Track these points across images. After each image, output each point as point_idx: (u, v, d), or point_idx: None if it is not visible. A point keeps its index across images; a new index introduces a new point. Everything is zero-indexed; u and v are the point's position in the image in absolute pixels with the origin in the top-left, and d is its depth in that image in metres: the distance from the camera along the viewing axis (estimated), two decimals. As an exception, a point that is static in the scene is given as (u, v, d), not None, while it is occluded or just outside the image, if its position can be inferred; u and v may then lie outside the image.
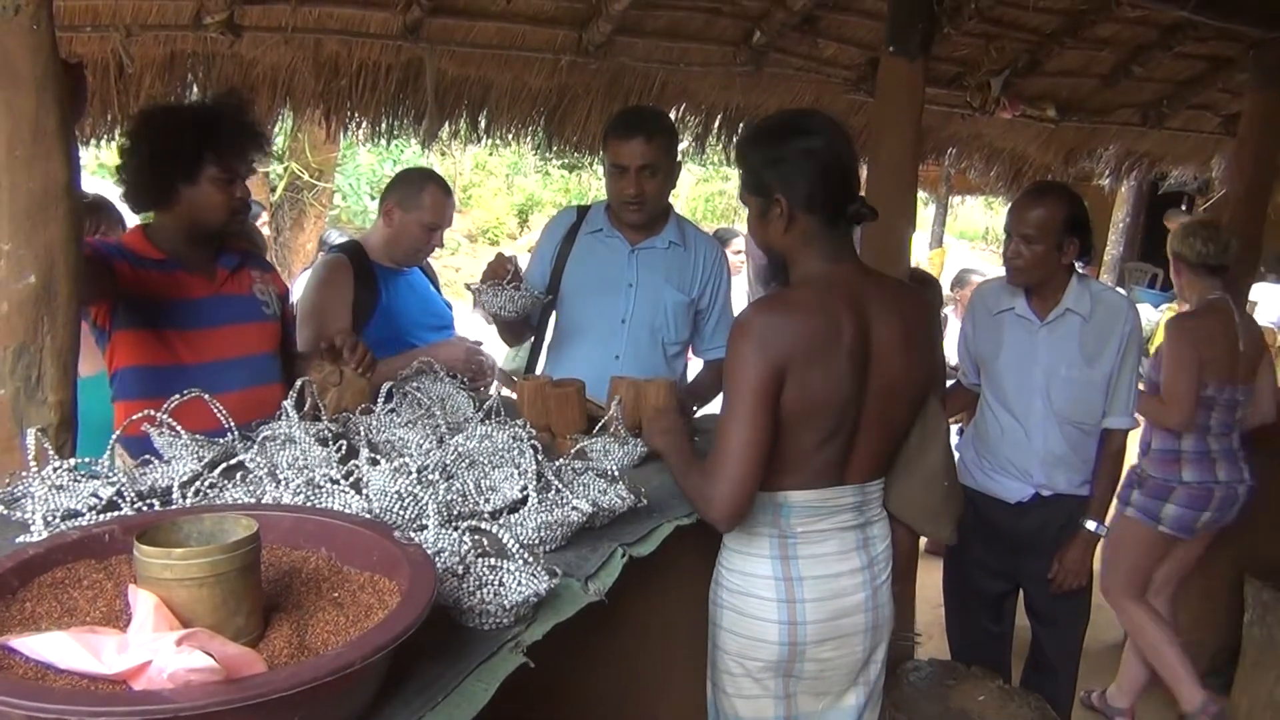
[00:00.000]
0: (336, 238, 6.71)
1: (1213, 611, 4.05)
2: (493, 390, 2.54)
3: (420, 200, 2.94)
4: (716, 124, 4.53)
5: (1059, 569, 2.92)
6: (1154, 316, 7.02)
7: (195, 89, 3.48)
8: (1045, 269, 2.79)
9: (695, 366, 3.17)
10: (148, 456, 1.83)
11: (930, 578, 3.76)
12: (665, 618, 2.14)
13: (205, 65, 3.46)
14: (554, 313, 3.01)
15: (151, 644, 0.97)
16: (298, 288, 4.91)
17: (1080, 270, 2.89)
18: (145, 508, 1.57)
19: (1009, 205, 3.33)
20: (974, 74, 4.38)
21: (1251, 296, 9.91)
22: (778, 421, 1.82)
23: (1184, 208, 9.38)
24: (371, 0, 3.46)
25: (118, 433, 1.80)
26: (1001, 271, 2.98)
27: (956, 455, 2.54)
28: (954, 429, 5.13)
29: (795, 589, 1.93)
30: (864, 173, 3.65)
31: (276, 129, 4.02)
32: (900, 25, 3.07)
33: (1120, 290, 3.04)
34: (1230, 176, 4.26)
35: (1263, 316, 9.97)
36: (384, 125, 3.87)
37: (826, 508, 1.94)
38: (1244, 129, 4.12)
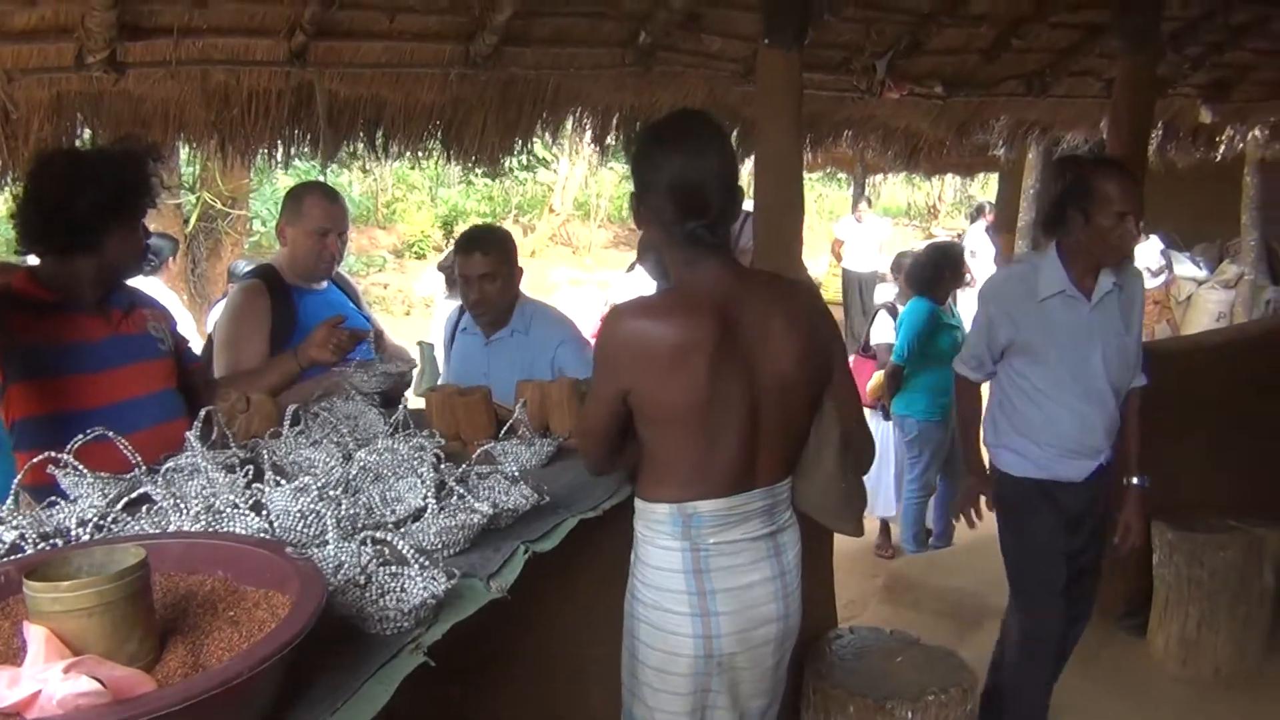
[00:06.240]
0: (244, 267, 6.68)
1: (1126, 556, 4.21)
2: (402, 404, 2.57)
3: (301, 209, 2.99)
4: (614, 124, 4.60)
5: (1125, 531, 3.05)
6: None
7: (85, 129, 3.46)
8: None
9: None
10: (54, 499, 1.84)
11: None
12: (581, 611, 2.21)
13: (93, 104, 3.43)
14: None
15: (41, 674, 1.01)
16: (212, 317, 4.88)
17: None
18: (48, 548, 1.60)
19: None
20: (858, 58, 4.49)
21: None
22: (628, 418, 1.95)
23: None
24: (255, 28, 3.45)
25: (19, 477, 1.80)
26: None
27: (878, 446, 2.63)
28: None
29: (709, 602, 1.92)
30: (749, 164, 3.77)
31: (184, 160, 4.01)
32: (775, 18, 3.15)
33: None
34: (1110, 139, 4.40)
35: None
36: (280, 151, 3.87)
37: (736, 515, 1.93)
38: (1117, 93, 4.25)
